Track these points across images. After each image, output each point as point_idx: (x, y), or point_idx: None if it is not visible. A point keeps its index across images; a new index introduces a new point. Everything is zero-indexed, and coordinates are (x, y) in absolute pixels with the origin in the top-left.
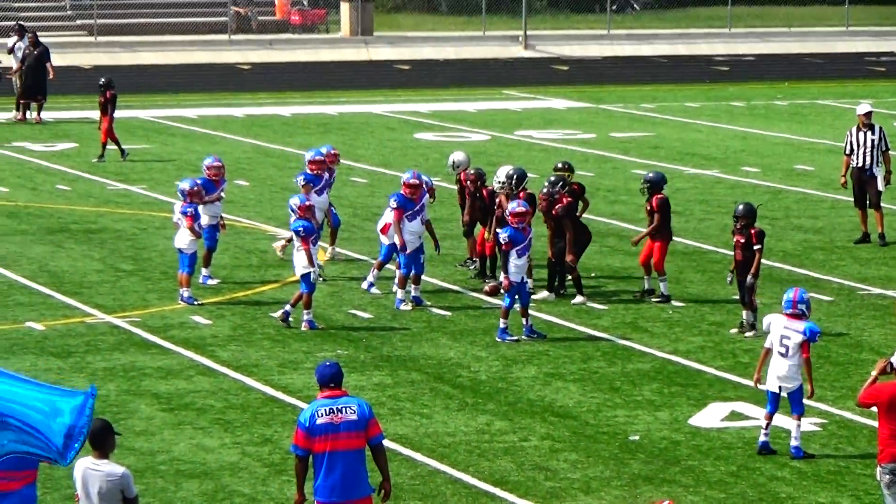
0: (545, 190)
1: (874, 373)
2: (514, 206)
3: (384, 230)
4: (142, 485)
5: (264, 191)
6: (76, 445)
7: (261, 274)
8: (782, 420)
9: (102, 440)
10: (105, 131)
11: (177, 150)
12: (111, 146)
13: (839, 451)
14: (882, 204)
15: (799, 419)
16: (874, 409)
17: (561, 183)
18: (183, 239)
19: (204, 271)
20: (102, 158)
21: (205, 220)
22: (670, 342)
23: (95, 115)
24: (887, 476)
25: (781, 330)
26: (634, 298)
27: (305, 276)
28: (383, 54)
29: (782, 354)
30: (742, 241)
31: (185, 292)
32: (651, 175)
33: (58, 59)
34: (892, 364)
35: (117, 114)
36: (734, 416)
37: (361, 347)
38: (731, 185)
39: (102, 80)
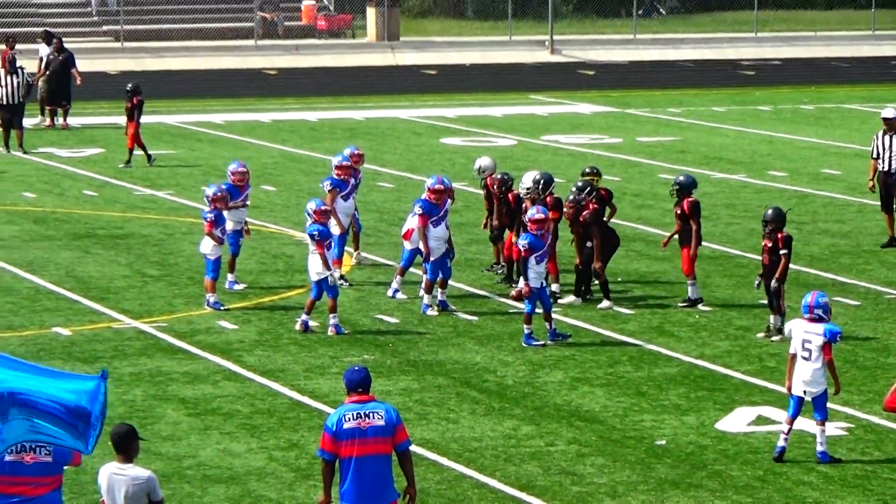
0: (571, 197)
1: None
2: (532, 213)
3: (407, 235)
4: (168, 490)
5: (291, 196)
6: (94, 433)
7: (287, 279)
8: (807, 425)
9: (127, 444)
10: (132, 137)
11: (203, 156)
12: (138, 152)
13: (866, 455)
14: None
15: (823, 424)
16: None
17: (588, 189)
18: (206, 244)
19: (230, 276)
20: (129, 164)
21: (229, 226)
22: (697, 346)
23: (122, 120)
24: None
25: (802, 334)
26: (677, 308)
27: (322, 281)
28: (409, 59)
29: (805, 359)
30: (769, 245)
31: (212, 297)
32: (682, 178)
33: (84, 65)
34: None
35: (144, 119)
36: (761, 420)
37: (388, 352)
38: (758, 189)
39: (129, 85)
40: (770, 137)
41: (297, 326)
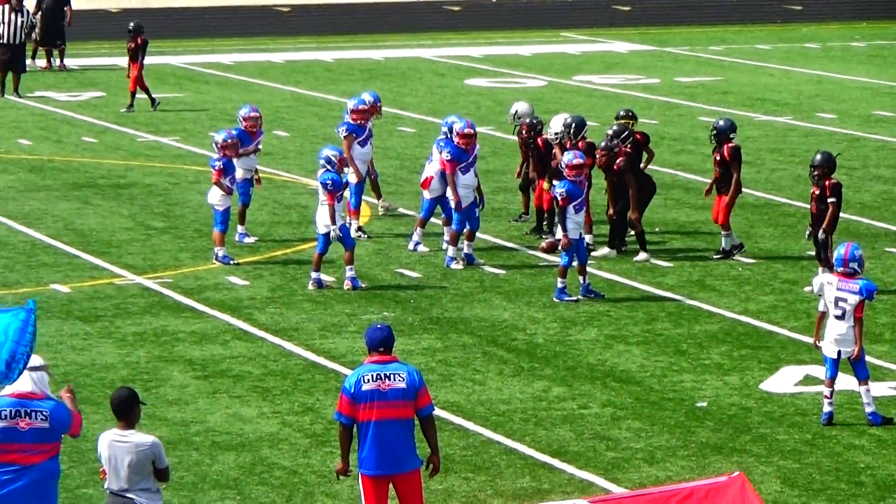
0: (604, 143)
1: None
2: (570, 158)
3: (425, 184)
4: (175, 458)
5: (305, 142)
6: (19, 367)
7: (301, 231)
8: (854, 384)
9: (128, 410)
10: (134, 79)
11: (211, 99)
12: (141, 95)
13: None
14: None
15: (867, 383)
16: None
17: (624, 134)
18: (215, 194)
19: (240, 228)
20: (132, 108)
21: (239, 174)
22: (740, 301)
23: (124, 61)
24: None
25: (835, 292)
26: (714, 259)
27: (326, 235)
28: None
29: (838, 317)
30: (817, 193)
31: (220, 251)
32: (720, 122)
33: (83, 2)
34: None
35: (147, 60)
36: (808, 380)
37: (409, 309)
38: (806, 132)
39: (132, 24)
40: (818, 77)
41: (310, 286)
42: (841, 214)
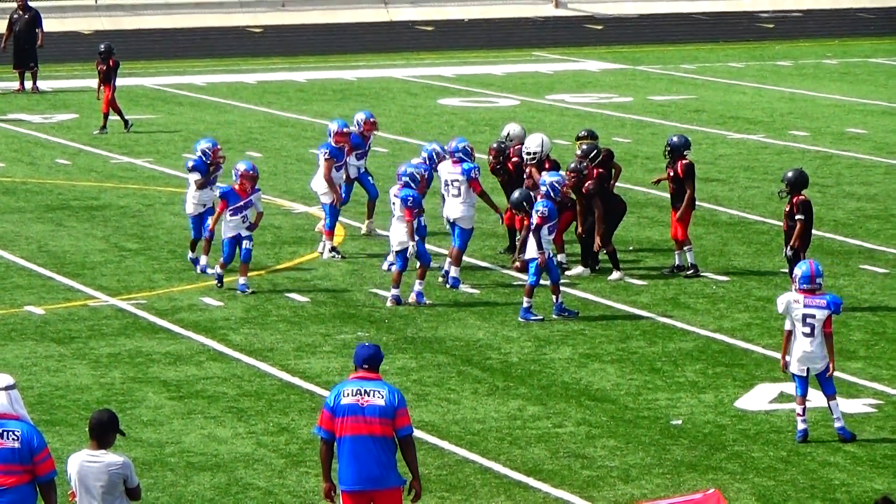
0: (573, 165)
1: None
2: (559, 180)
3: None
4: (150, 478)
5: (278, 163)
6: None
7: (276, 252)
8: (823, 402)
9: (105, 432)
10: (107, 101)
11: (184, 121)
12: (114, 117)
13: None
14: None
15: (834, 398)
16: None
17: (592, 153)
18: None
19: (203, 260)
20: (105, 130)
21: (191, 209)
22: (714, 319)
23: (96, 83)
24: None
25: (803, 309)
26: (663, 275)
27: (404, 252)
28: (404, 14)
29: (807, 335)
30: (788, 209)
31: (242, 280)
32: (674, 138)
33: (55, 24)
34: None
35: (120, 82)
36: (783, 397)
37: (384, 329)
38: (778, 150)
39: (102, 46)
40: (791, 95)
41: (389, 303)
42: (815, 232)
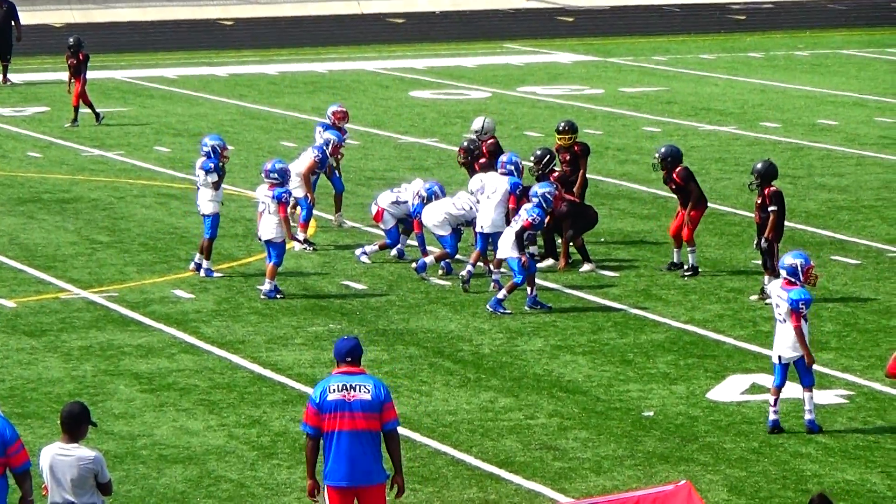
0: (531, 165)
1: None
2: (551, 189)
3: (377, 217)
4: (121, 471)
5: (250, 155)
6: None
7: (246, 244)
8: (800, 392)
9: (76, 425)
10: (77, 94)
11: (155, 113)
12: (84, 110)
13: (868, 424)
14: None
15: (810, 390)
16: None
17: (546, 159)
18: (271, 228)
19: (205, 263)
20: (76, 123)
21: (209, 209)
22: (686, 311)
23: (67, 76)
24: None
25: (776, 298)
26: (660, 271)
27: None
28: (375, 7)
29: (781, 322)
30: (759, 201)
31: (268, 284)
32: (664, 150)
33: (26, 17)
34: None
35: (91, 74)
36: (755, 388)
37: (355, 321)
38: (750, 141)
39: (71, 40)
40: (762, 86)
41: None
42: (786, 223)
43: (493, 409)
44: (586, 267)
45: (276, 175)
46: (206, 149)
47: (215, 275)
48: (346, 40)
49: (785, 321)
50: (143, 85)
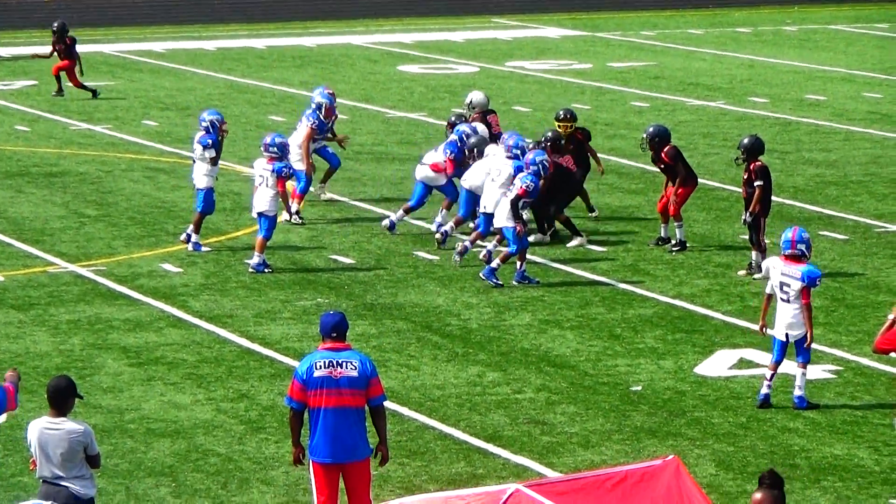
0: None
1: (892, 316)
2: (546, 158)
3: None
4: (109, 445)
5: (238, 129)
6: None
7: (234, 218)
8: (792, 368)
9: (63, 399)
10: (57, 68)
11: (144, 87)
12: (68, 84)
13: (855, 399)
14: None
15: (805, 367)
16: (893, 355)
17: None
18: (265, 200)
19: (194, 237)
20: (61, 93)
21: (204, 182)
22: (674, 286)
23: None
24: None
25: (780, 276)
26: (648, 246)
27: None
28: None
29: (785, 301)
30: (746, 177)
31: (257, 258)
32: (651, 130)
33: None
34: None
35: (79, 48)
36: (743, 363)
37: (343, 295)
38: (738, 116)
39: (55, 25)
40: (750, 61)
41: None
42: (774, 198)
43: (480, 384)
44: (575, 241)
45: (275, 149)
46: (204, 123)
47: (203, 249)
48: (335, 15)
49: (789, 300)
50: (131, 59)
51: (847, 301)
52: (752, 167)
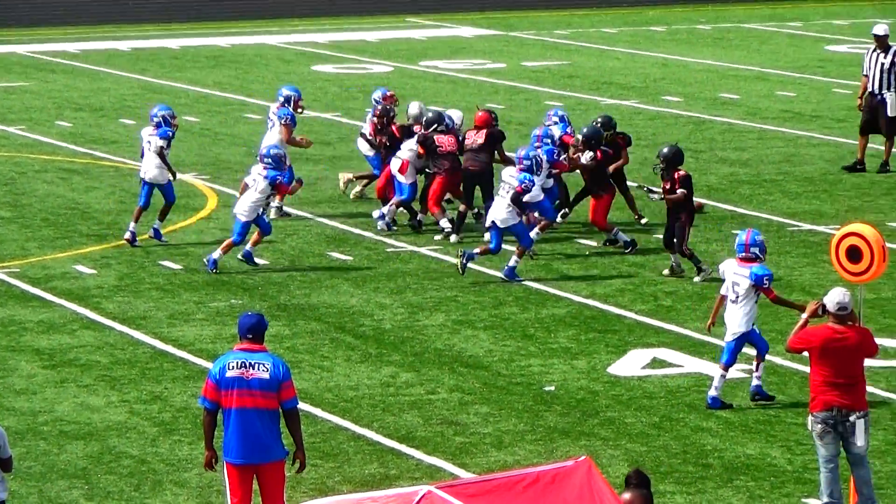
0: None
1: (805, 315)
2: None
3: (402, 169)
4: (22, 448)
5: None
6: None
7: (148, 220)
8: (707, 367)
9: None
10: None
11: (57, 88)
12: None
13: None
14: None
15: (763, 359)
16: (805, 354)
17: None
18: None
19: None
20: None
21: (158, 176)
22: (587, 285)
23: None
24: (819, 425)
25: (732, 276)
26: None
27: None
28: None
29: (732, 301)
30: (667, 186)
31: (248, 245)
32: (585, 129)
33: None
34: (823, 306)
35: None
36: (656, 363)
37: (257, 296)
38: (652, 115)
39: None
40: (664, 60)
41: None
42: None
43: (394, 385)
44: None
45: (269, 160)
46: (156, 119)
47: (163, 239)
48: (249, 14)
49: (736, 300)
50: (44, 60)
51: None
52: (675, 177)
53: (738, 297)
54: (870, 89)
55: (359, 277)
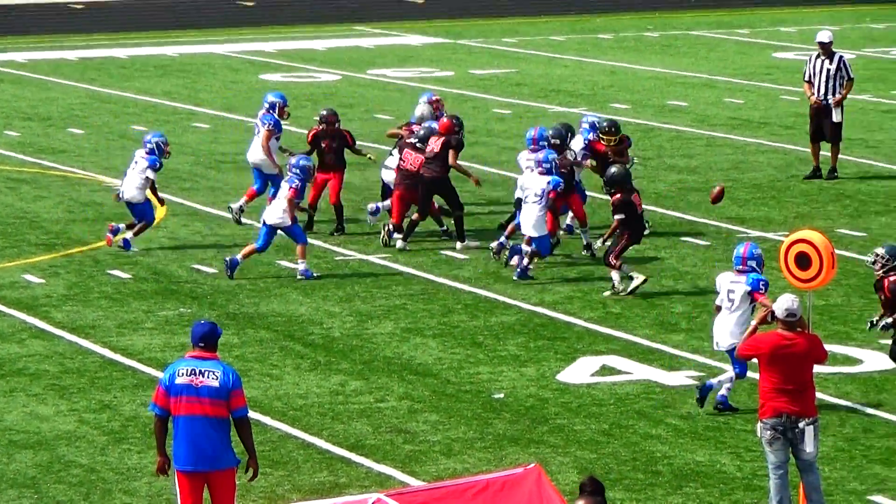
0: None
1: (754, 322)
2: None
3: None
4: None
5: (100, 139)
6: None
7: (97, 228)
8: (656, 374)
9: None
10: None
11: (5, 98)
12: None
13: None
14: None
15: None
16: (755, 360)
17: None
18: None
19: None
20: None
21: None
22: (536, 293)
23: None
24: (769, 432)
25: (728, 285)
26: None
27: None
28: None
29: (728, 309)
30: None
31: (302, 265)
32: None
33: None
34: (772, 312)
35: None
36: (605, 370)
37: (206, 305)
38: None
39: None
40: (612, 67)
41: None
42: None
43: (343, 393)
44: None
45: (297, 170)
46: (149, 146)
47: (133, 248)
48: (196, 23)
49: (731, 307)
50: None
51: (709, 307)
52: (612, 201)
53: (732, 304)
54: (816, 96)
55: (308, 286)
